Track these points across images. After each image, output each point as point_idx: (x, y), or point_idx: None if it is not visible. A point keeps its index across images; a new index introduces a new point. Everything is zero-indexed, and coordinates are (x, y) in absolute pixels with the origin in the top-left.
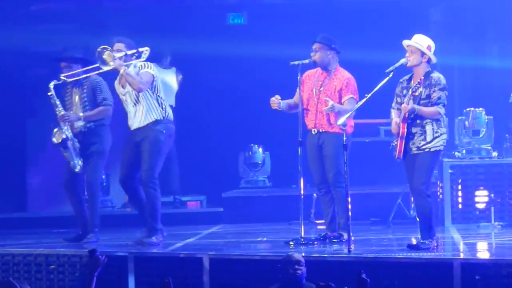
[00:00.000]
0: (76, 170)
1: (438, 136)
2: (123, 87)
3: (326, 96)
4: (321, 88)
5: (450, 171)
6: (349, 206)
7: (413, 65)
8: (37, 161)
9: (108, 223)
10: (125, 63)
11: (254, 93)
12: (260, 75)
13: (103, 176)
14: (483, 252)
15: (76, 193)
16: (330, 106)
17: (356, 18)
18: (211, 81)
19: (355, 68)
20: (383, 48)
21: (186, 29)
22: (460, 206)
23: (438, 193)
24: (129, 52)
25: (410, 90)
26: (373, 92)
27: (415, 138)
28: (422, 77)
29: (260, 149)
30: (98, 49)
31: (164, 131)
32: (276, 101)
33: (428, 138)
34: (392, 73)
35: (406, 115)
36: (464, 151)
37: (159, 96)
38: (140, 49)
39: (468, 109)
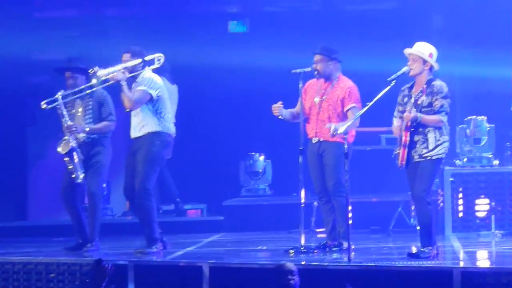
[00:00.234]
0: (79, 180)
1: (440, 144)
2: None
3: (329, 105)
4: (324, 97)
5: (451, 179)
6: (350, 215)
7: (416, 74)
8: (37, 170)
9: (108, 232)
10: (132, 74)
11: (256, 101)
12: (261, 84)
13: (104, 185)
14: (483, 260)
15: (73, 202)
16: (333, 130)
17: (358, 26)
18: (212, 89)
19: (356, 76)
20: (385, 56)
21: (187, 37)
22: (460, 214)
23: (439, 201)
24: (129, 64)
25: (413, 98)
26: (374, 100)
27: (418, 146)
28: (425, 85)
29: (261, 158)
30: (90, 73)
31: (157, 143)
32: (278, 108)
33: (430, 146)
34: (394, 81)
35: (409, 124)
36: (465, 159)
37: (158, 108)
38: (149, 57)
39: (469, 117)
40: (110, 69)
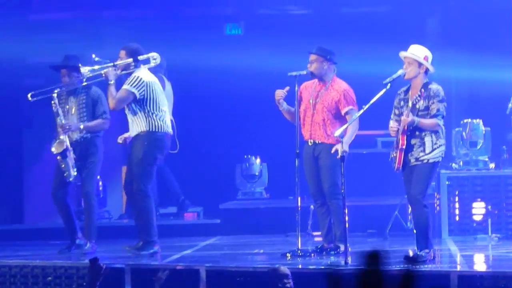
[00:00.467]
0: (71, 179)
1: (437, 148)
2: None
3: (324, 107)
4: (318, 99)
5: (447, 182)
6: (346, 218)
7: (411, 77)
8: (34, 173)
9: (105, 235)
10: (124, 72)
11: (251, 104)
12: (257, 86)
13: (100, 188)
14: (480, 264)
15: (65, 201)
16: (336, 150)
17: (353, 29)
18: (208, 92)
19: (351, 79)
20: (380, 59)
21: (183, 39)
22: (457, 218)
23: (435, 205)
24: (120, 63)
25: (410, 102)
26: (370, 103)
27: (414, 149)
28: (422, 89)
29: (257, 161)
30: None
31: (145, 143)
32: (281, 94)
33: (427, 150)
34: (389, 84)
35: (405, 127)
36: (461, 163)
37: (145, 108)
38: (142, 57)
39: (465, 121)
40: (96, 67)
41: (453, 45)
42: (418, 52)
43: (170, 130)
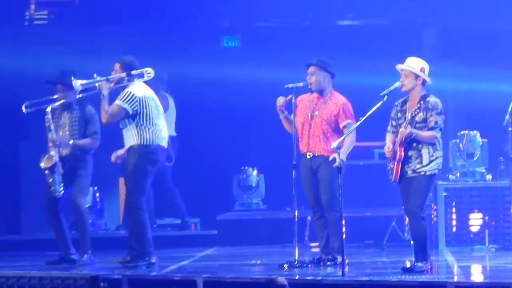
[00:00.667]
0: (56, 195)
1: (434, 160)
2: None
3: (323, 120)
4: (316, 113)
5: (444, 194)
6: (343, 229)
7: (408, 89)
8: (30, 183)
9: (102, 246)
10: (118, 85)
11: (248, 116)
12: (254, 98)
13: (97, 199)
14: (477, 275)
15: (57, 215)
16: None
17: (349, 41)
18: (205, 104)
19: (348, 91)
20: (376, 71)
21: (180, 52)
22: (454, 228)
23: (432, 216)
24: (113, 77)
25: (409, 114)
26: (367, 115)
27: (411, 161)
28: (421, 102)
29: (254, 172)
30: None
31: (136, 156)
32: (284, 101)
33: (424, 162)
34: (386, 96)
35: (403, 139)
36: (458, 174)
37: (138, 122)
38: (135, 72)
39: (462, 132)
40: (89, 80)
41: (450, 57)
42: (414, 64)
43: (163, 144)
